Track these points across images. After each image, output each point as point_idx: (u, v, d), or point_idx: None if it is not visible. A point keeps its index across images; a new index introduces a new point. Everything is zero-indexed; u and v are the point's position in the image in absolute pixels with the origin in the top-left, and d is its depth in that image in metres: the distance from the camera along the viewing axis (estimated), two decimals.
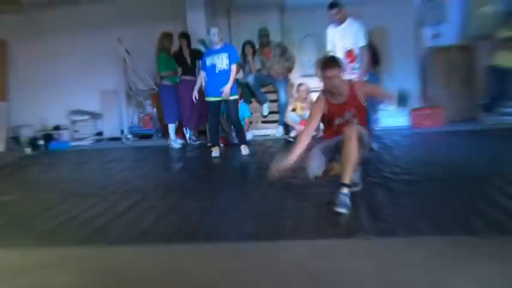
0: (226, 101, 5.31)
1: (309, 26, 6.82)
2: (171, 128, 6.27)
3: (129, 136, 6.90)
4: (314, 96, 4.64)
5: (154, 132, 7.01)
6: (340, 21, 4.94)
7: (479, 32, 6.43)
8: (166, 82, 6.23)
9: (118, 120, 7.39)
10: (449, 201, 2.99)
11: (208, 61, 5.28)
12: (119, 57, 6.90)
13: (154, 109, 7.03)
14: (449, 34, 6.76)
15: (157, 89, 6.67)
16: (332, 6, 4.93)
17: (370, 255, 2.27)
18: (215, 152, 5.33)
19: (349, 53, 4.87)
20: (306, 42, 7.00)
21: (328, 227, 2.70)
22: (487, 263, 2.06)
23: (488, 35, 6.19)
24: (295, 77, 6.76)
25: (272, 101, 6.54)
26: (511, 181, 3.31)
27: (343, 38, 4.92)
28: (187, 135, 6.40)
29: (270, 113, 6.57)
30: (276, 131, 6.43)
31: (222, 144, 5.72)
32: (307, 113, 5.55)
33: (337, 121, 3.24)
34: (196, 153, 5.79)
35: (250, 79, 6.37)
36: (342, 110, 3.21)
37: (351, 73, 4.71)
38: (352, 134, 2.93)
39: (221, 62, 5.21)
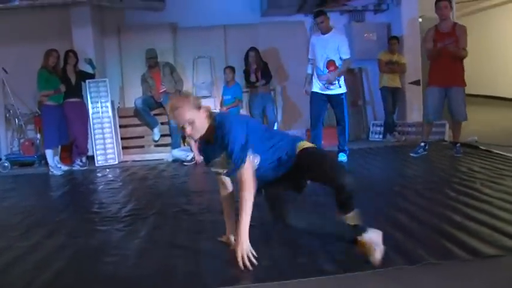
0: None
1: (202, 47, 6.73)
2: (48, 153, 5.75)
3: (6, 164, 6.24)
4: None
5: (36, 159, 6.40)
6: (324, 31, 5.07)
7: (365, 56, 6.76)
8: (48, 102, 5.72)
9: None
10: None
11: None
12: None
13: (38, 134, 6.46)
14: None
15: (39, 112, 6.16)
16: (318, 13, 5.10)
17: None
18: None
19: (331, 62, 5.00)
20: (199, 63, 6.86)
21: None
22: None
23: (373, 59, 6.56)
24: None
25: (163, 123, 6.29)
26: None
27: (325, 48, 5.02)
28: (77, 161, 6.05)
29: (162, 135, 6.31)
30: (169, 156, 6.16)
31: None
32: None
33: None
34: (79, 181, 5.35)
35: (138, 102, 6.09)
36: None
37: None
38: None
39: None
